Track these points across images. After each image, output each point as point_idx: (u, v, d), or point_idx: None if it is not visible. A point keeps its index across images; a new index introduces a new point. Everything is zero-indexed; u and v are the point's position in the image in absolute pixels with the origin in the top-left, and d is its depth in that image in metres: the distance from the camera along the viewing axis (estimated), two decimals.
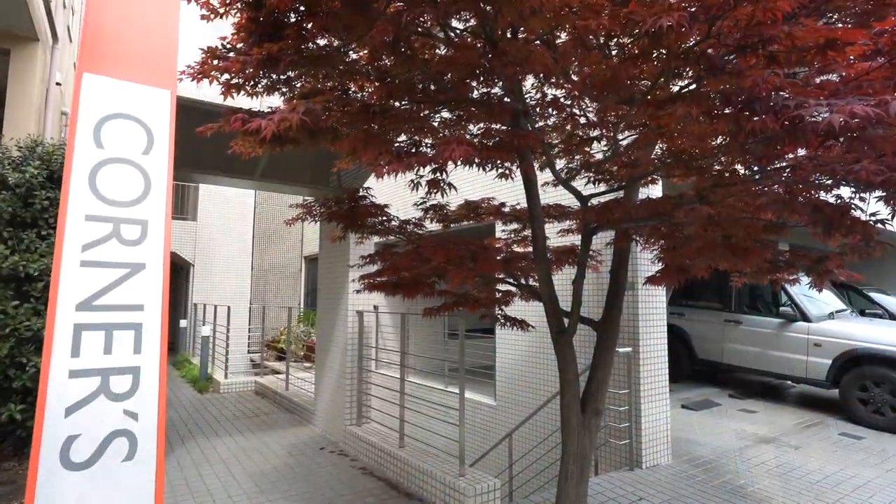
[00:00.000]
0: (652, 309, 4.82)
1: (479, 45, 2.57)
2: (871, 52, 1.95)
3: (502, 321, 3.78)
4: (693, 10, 1.90)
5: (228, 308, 10.38)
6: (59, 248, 1.48)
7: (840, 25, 2.89)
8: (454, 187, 2.76)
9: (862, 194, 2.88)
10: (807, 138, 1.85)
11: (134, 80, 1.82)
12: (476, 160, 2.58)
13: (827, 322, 6.47)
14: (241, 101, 3.44)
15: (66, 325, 1.44)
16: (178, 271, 14.89)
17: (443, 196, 2.81)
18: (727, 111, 1.99)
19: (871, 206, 2.92)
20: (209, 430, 6.82)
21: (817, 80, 2.44)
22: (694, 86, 2.41)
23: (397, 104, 2.89)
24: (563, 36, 2.63)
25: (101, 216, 1.60)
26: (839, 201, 2.96)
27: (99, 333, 1.50)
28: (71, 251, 1.50)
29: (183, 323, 13.04)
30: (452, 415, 4.51)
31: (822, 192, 2.96)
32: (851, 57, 1.98)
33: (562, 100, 2.87)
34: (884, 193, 2.64)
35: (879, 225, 2.76)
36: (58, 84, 6.69)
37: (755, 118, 1.72)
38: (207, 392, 9.53)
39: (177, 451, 5.88)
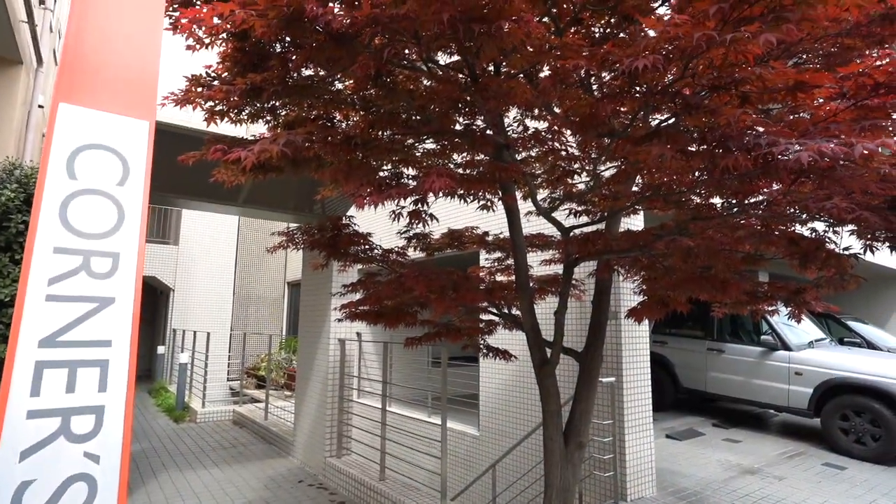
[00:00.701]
0: (635, 338, 4.82)
1: (462, 79, 2.61)
2: (837, 94, 2.02)
3: (485, 351, 3.75)
4: (670, 48, 1.96)
5: (208, 334, 10.15)
6: (24, 282, 1.43)
7: (809, 66, 3.00)
8: (436, 218, 2.76)
9: (836, 228, 2.96)
10: (779, 175, 1.89)
11: (111, 111, 1.80)
12: (458, 192, 2.60)
13: (807, 351, 6.54)
14: (226, 127, 3.43)
15: (27, 362, 1.38)
16: (158, 296, 14.58)
17: (424, 227, 2.81)
18: (702, 148, 2.03)
19: (845, 240, 2.99)
20: (183, 463, 6.57)
21: (791, 117, 2.52)
22: (673, 119, 2.47)
23: (381, 134, 2.91)
24: (546, 69, 2.69)
25: (70, 248, 1.56)
26: (814, 234, 3.03)
27: (62, 371, 1.44)
28: (36, 285, 1.45)
29: (160, 349, 12.71)
30: (435, 445, 4.42)
31: (797, 224, 3.02)
32: (820, 98, 2.05)
33: (543, 133, 2.91)
34: (855, 228, 2.71)
35: (854, 259, 2.82)
36: (40, 107, 6.64)
37: (729, 155, 1.76)
38: (184, 421, 9.23)
39: (148, 484, 5.64)
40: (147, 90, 1.94)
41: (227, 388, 12.08)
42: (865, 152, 1.50)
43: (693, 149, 2.26)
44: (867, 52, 2.80)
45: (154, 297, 14.80)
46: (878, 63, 1.98)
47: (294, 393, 7.91)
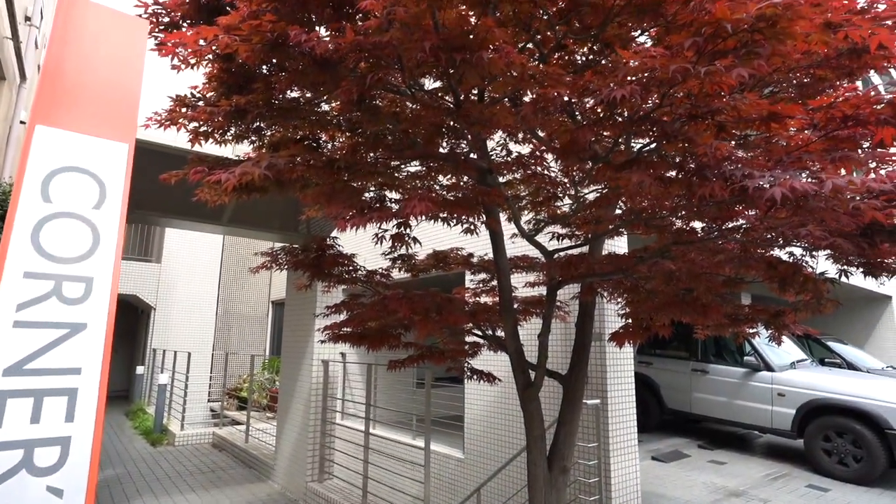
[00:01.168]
0: (620, 360, 4.82)
1: (446, 104, 2.64)
2: (809, 125, 2.08)
3: (469, 374, 3.72)
4: (647, 77, 2.00)
5: (189, 354, 9.95)
6: None
7: (784, 95, 3.10)
8: (418, 241, 2.76)
9: (812, 252, 3.01)
10: (755, 204, 1.93)
11: (90, 133, 1.79)
12: (441, 215, 2.61)
13: (789, 371, 6.60)
14: (212, 146, 3.42)
15: None
16: (138, 315, 14.30)
17: (407, 249, 2.80)
18: (680, 176, 2.07)
19: (821, 264, 3.05)
20: (159, 488, 6.37)
21: (766, 144, 2.59)
22: (654, 145, 2.52)
23: (367, 155, 2.92)
24: (531, 94, 2.73)
25: (41, 273, 1.52)
26: (792, 258, 3.08)
27: (27, 401, 1.39)
28: (3, 311, 1.41)
29: (139, 370, 12.41)
30: (419, 469, 4.34)
31: (775, 248, 3.08)
32: (792, 129, 2.11)
33: (526, 158, 2.95)
34: (831, 252, 2.76)
35: (830, 284, 2.87)
36: (22, 123, 6.56)
37: (706, 185, 1.79)
38: (161, 445, 8.98)
39: None
40: (127, 113, 1.93)
41: (207, 409, 11.81)
42: (837, 185, 1.53)
43: (672, 174, 2.31)
44: (838, 83, 2.91)
45: (134, 316, 14.51)
46: (846, 95, 2.05)
47: (276, 415, 7.76)
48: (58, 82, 1.84)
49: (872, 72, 2.77)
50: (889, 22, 1.83)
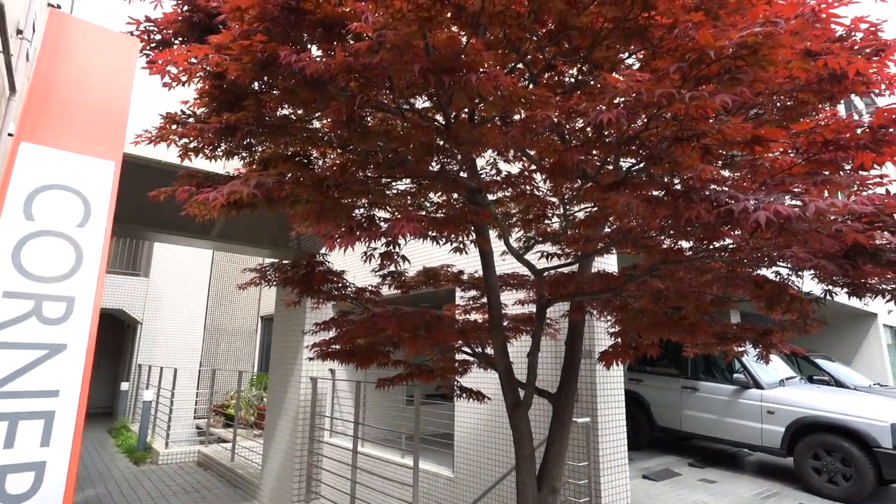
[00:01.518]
0: (609, 377, 4.81)
1: (436, 123, 2.66)
2: (792, 148, 2.12)
3: (458, 392, 3.69)
4: (635, 98, 2.03)
5: (175, 370, 9.80)
6: None
7: (767, 117, 3.16)
8: (407, 260, 2.76)
9: (798, 272, 3.05)
10: (740, 225, 1.95)
11: (76, 151, 1.77)
12: (431, 234, 2.61)
13: (779, 389, 6.62)
14: (202, 161, 3.40)
15: None
16: (124, 330, 14.08)
17: (396, 267, 2.80)
18: (667, 198, 2.09)
19: (807, 284, 3.08)
20: None
21: (751, 165, 2.63)
22: (643, 164, 2.55)
23: (357, 172, 2.93)
24: (521, 114, 2.76)
25: (21, 293, 1.50)
26: (778, 277, 3.11)
27: (1, 425, 1.36)
28: None
29: (124, 386, 12.18)
30: (408, 489, 4.28)
31: (762, 268, 3.11)
32: (776, 152, 2.14)
33: (515, 177, 2.97)
34: (815, 273, 2.80)
35: (815, 304, 2.89)
36: (10, 135, 6.51)
37: (692, 208, 1.82)
38: (145, 463, 8.77)
39: None
40: (115, 130, 1.92)
41: (193, 426, 11.59)
42: (819, 209, 1.56)
43: (659, 193, 2.33)
44: (820, 106, 2.98)
45: (120, 331, 14.28)
46: (828, 120, 2.10)
47: (263, 432, 7.63)
48: (44, 99, 1.83)
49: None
50: (868, 50, 1.88)
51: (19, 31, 6.85)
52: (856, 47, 1.77)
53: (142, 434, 9.38)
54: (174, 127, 2.98)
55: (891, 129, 1.85)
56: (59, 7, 3.60)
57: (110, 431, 11.59)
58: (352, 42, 2.39)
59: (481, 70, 1.86)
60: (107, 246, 1.74)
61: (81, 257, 1.67)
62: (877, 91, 2.82)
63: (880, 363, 11.15)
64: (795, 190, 2.01)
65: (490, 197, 3.21)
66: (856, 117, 2.26)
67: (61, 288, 1.59)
